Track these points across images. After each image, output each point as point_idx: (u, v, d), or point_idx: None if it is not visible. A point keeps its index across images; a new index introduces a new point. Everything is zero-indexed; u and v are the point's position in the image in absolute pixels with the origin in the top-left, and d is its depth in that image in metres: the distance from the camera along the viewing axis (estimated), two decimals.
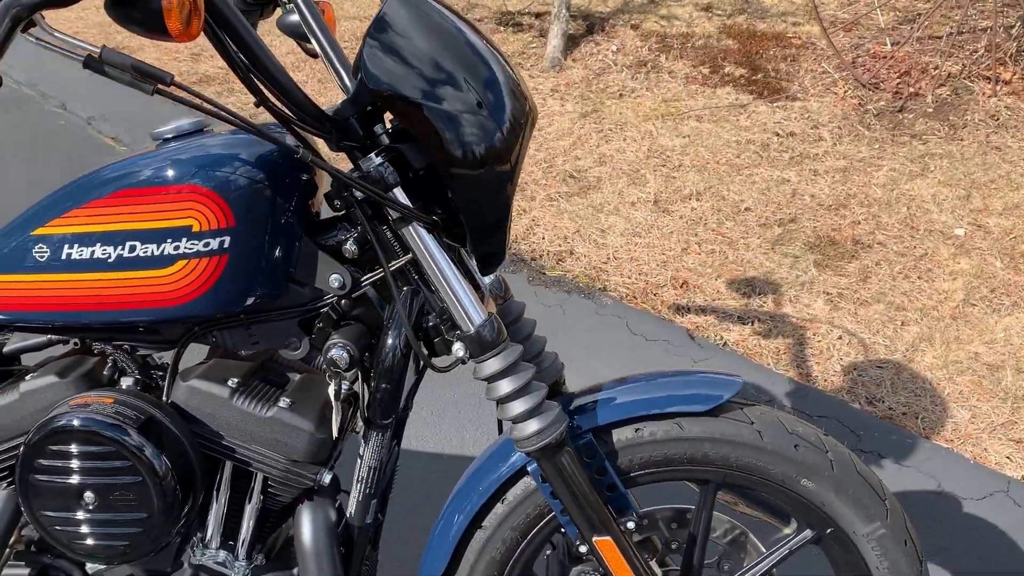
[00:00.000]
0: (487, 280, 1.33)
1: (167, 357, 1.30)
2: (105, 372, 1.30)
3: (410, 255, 1.17)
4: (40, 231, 1.17)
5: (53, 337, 1.31)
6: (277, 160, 1.18)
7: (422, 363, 1.28)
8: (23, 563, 1.38)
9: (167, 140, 1.22)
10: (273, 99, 1.06)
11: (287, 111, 1.06)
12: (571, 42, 5.27)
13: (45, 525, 1.21)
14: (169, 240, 1.14)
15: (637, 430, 1.24)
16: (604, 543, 1.23)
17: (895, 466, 2.24)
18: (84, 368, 1.28)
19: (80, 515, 1.19)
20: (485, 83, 1.11)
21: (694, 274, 3.12)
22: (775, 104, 4.47)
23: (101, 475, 1.17)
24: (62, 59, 1.03)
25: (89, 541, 1.21)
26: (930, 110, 4.25)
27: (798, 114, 4.34)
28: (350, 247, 1.21)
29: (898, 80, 4.51)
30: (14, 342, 1.35)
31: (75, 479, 1.18)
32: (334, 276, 1.21)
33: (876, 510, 1.23)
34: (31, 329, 1.29)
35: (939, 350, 2.68)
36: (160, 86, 0.96)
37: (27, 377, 1.28)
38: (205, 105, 0.99)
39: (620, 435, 1.24)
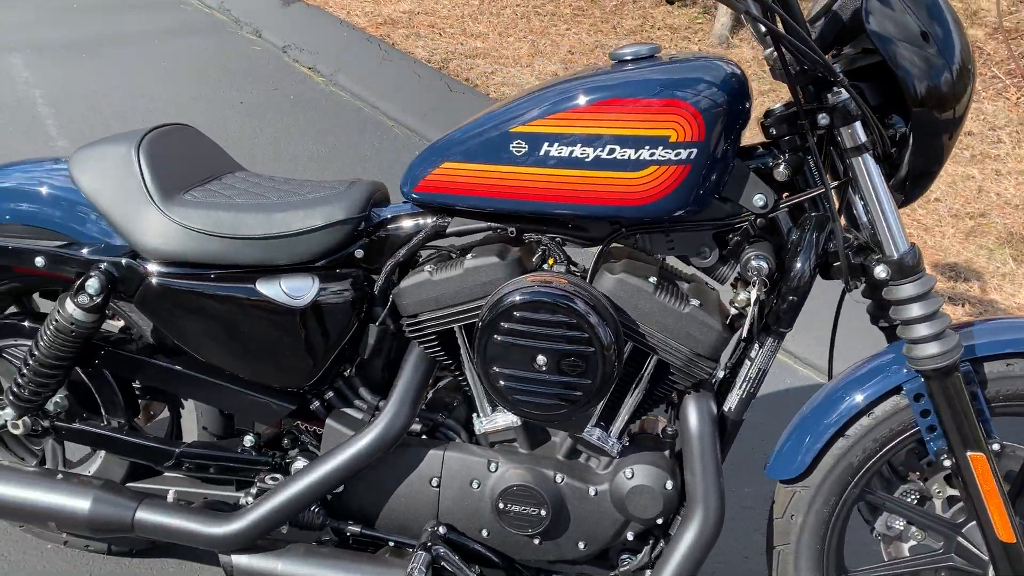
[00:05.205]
0: None
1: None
2: (533, 260, 1.48)
3: (843, 179, 1.36)
4: (520, 128, 1.35)
5: (494, 224, 1.46)
6: (735, 85, 1.34)
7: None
8: (417, 421, 1.58)
9: (624, 61, 1.38)
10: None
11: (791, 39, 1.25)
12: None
13: (493, 381, 1.38)
14: (647, 147, 1.31)
15: (1008, 364, 1.39)
16: (977, 459, 1.38)
17: None
18: (516, 254, 1.45)
19: (530, 375, 1.35)
20: (949, 39, 1.32)
21: None
22: None
23: (560, 342, 1.33)
24: None
25: (531, 398, 1.37)
26: None
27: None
28: (783, 170, 1.39)
29: None
30: (454, 226, 1.49)
31: (536, 343, 1.34)
32: (758, 195, 1.38)
33: None
34: (479, 215, 1.47)
35: None
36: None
37: (469, 255, 1.45)
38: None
39: (991, 367, 1.40)
